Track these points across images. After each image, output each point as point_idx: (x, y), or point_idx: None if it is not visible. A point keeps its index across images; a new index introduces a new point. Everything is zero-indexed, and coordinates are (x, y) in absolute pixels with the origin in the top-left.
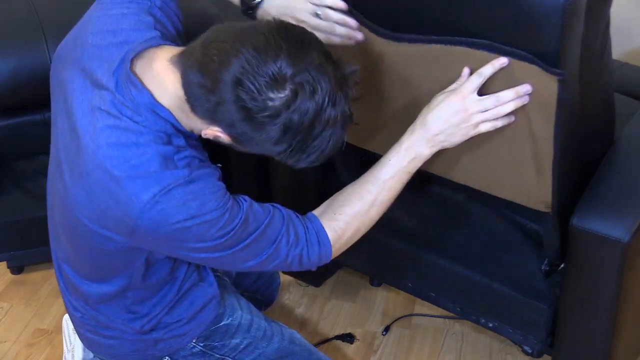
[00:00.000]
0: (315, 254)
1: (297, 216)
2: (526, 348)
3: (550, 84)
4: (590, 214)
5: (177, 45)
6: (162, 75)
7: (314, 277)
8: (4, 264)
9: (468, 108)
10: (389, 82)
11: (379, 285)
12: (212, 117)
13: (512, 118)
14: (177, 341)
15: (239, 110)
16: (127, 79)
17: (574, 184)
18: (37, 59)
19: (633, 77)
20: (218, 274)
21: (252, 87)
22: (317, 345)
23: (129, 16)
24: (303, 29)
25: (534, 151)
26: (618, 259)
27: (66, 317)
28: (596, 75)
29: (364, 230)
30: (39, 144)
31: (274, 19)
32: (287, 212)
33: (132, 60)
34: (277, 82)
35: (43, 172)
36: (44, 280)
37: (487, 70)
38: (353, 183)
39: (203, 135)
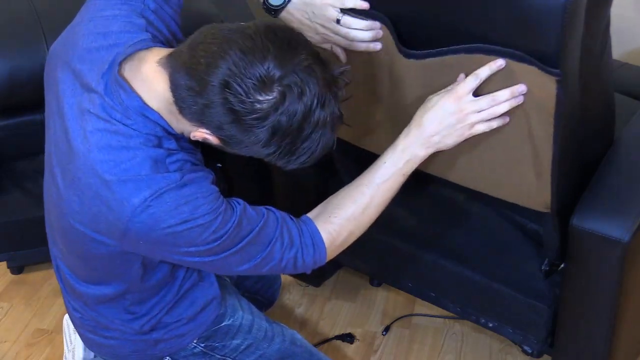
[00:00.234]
0: (309, 257)
1: (292, 219)
2: (526, 348)
3: (548, 85)
4: (590, 214)
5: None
6: (150, 78)
7: (314, 277)
8: (4, 264)
9: (463, 109)
10: (390, 80)
11: (379, 285)
12: (200, 120)
13: (507, 119)
14: (177, 341)
15: (226, 112)
16: (116, 82)
17: (574, 184)
18: (37, 58)
19: (633, 77)
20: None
21: (239, 89)
22: (317, 345)
23: (120, 18)
24: (291, 31)
25: (533, 152)
26: (618, 259)
27: (67, 316)
28: (596, 75)
29: (358, 232)
30: (39, 144)
31: (261, 21)
32: (281, 214)
33: (121, 63)
34: (264, 84)
35: (43, 172)
36: (44, 280)
37: (484, 72)
38: (348, 185)
39: (192, 137)
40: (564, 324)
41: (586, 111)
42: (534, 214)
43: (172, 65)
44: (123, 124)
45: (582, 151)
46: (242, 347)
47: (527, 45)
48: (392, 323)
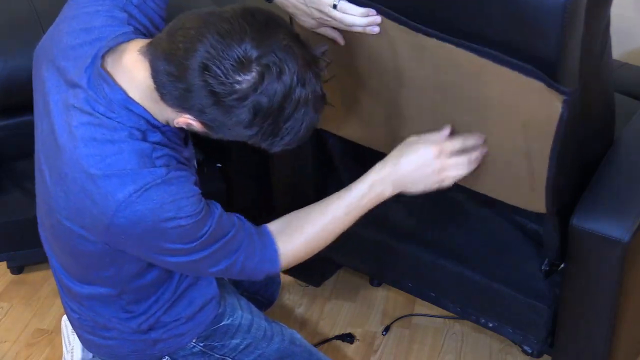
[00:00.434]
0: (265, 271)
1: (256, 231)
2: (526, 348)
3: (554, 103)
4: (590, 214)
5: None
6: (131, 68)
7: (314, 277)
8: (4, 264)
9: (444, 166)
10: (384, 71)
11: (379, 285)
12: (181, 105)
13: (473, 166)
14: (176, 341)
15: (207, 95)
16: (99, 75)
17: (574, 184)
18: None
19: (633, 77)
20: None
21: (218, 71)
22: (317, 345)
23: (102, 13)
24: (270, 13)
25: (528, 169)
26: (618, 259)
27: (65, 317)
28: (596, 75)
29: (313, 253)
30: None
31: (239, 5)
32: (248, 226)
33: (104, 57)
34: (242, 64)
35: None
36: (44, 280)
37: (470, 142)
38: (313, 206)
39: (175, 124)
40: (564, 324)
41: (586, 111)
42: (534, 214)
43: (152, 53)
44: (107, 117)
45: (582, 151)
46: (242, 347)
47: (526, 45)
48: (392, 323)
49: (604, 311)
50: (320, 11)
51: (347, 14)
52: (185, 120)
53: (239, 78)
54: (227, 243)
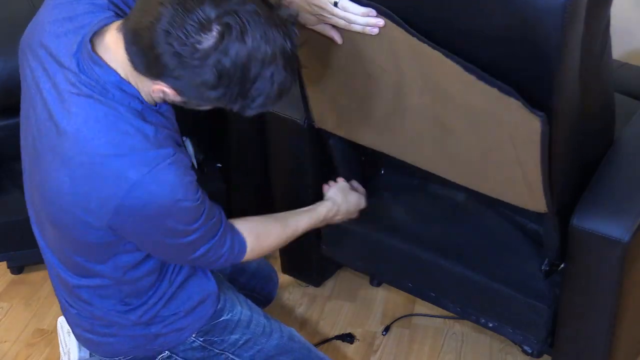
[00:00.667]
0: (229, 261)
1: (229, 224)
2: (526, 348)
3: (533, 122)
4: (590, 214)
5: None
6: (112, 47)
7: (314, 277)
8: (4, 264)
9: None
10: (382, 71)
11: (379, 285)
12: (153, 72)
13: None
14: (176, 335)
15: (172, 57)
16: (90, 59)
17: (574, 184)
18: None
19: (633, 77)
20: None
21: (180, 34)
22: (317, 345)
23: (83, 1)
24: None
25: (524, 174)
26: (618, 259)
27: (60, 319)
28: (596, 75)
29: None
30: None
31: None
32: (224, 217)
33: (91, 41)
34: (202, 25)
35: None
36: (44, 280)
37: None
38: (279, 219)
39: (152, 95)
40: (564, 324)
41: (586, 111)
42: (534, 214)
43: (124, 27)
44: (103, 98)
45: (582, 151)
46: (241, 342)
47: (526, 45)
48: (392, 323)
49: (604, 311)
50: (321, 7)
51: (347, 12)
52: (159, 87)
53: (199, 38)
54: (213, 225)
